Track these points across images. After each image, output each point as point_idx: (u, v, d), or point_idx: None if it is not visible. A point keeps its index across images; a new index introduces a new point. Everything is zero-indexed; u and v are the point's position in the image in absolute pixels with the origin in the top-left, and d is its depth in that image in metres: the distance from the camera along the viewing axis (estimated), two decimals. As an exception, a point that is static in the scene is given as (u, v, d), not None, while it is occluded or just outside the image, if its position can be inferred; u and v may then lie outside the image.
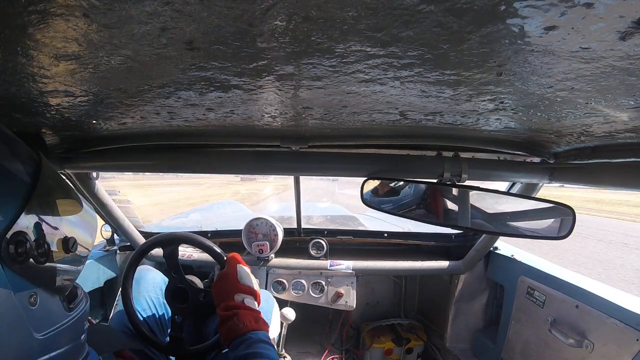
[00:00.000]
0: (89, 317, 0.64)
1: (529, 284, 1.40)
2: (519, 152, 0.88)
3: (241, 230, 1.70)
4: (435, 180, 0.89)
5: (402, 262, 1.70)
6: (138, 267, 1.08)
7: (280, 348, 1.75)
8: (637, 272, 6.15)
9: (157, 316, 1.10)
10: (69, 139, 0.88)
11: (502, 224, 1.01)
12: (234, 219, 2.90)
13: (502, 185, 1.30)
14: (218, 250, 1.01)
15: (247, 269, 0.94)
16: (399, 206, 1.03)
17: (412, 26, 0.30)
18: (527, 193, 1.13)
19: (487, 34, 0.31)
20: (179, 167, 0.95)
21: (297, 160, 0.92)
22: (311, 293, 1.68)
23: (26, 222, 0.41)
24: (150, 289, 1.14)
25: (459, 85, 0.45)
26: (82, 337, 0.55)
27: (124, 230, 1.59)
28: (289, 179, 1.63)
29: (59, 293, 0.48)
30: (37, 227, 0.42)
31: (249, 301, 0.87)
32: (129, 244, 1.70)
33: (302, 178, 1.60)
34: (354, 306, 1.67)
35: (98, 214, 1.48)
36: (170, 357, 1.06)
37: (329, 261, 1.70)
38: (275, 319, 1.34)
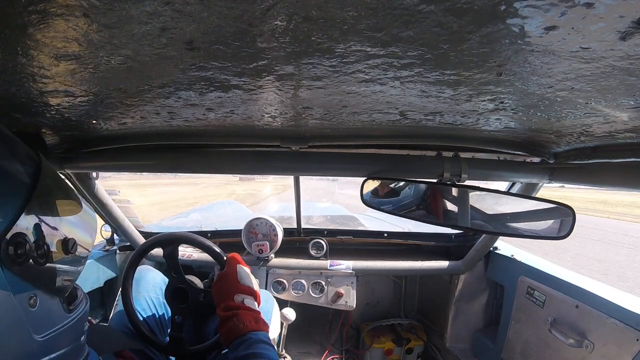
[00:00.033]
0: (89, 317, 0.64)
1: (529, 284, 1.40)
2: (519, 152, 0.88)
3: (241, 230, 1.70)
4: (435, 180, 0.89)
5: (402, 262, 1.70)
6: (138, 267, 1.08)
7: (280, 348, 1.75)
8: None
9: (157, 316, 1.10)
10: (69, 139, 0.88)
11: (502, 224, 1.01)
12: (234, 219, 2.91)
13: (502, 185, 1.30)
14: (218, 250, 1.01)
15: (247, 269, 0.94)
16: (399, 206, 1.03)
17: (412, 26, 0.30)
18: (527, 193, 1.13)
19: (487, 34, 0.31)
20: (179, 167, 0.95)
21: (297, 160, 0.92)
22: (311, 293, 1.68)
23: (26, 223, 0.40)
24: (150, 289, 1.14)
25: (459, 85, 0.45)
26: (82, 338, 0.55)
27: (123, 230, 1.59)
28: (289, 179, 1.63)
29: (58, 294, 0.48)
30: (37, 228, 0.42)
31: (248, 301, 0.87)
32: (128, 244, 1.70)
33: (302, 178, 1.60)
34: (354, 306, 1.67)
35: (98, 214, 1.48)
36: (170, 357, 1.06)
37: (328, 261, 1.70)
38: (276, 319, 1.34)
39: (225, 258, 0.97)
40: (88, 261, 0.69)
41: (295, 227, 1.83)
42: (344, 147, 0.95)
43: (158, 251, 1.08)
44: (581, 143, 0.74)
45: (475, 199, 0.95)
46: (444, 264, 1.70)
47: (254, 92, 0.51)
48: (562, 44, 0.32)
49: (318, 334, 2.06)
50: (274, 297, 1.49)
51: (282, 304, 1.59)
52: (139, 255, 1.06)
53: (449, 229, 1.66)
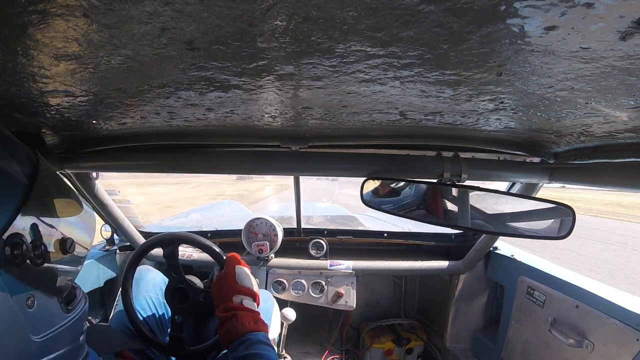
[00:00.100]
0: (89, 317, 0.64)
1: (529, 284, 1.40)
2: (519, 152, 0.88)
3: (241, 230, 1.70)
4: (435, 180, 0.89)
5: (402, 262, 1.70)
6: (138, 267, 1.08)
7: (280, 348, 1.74)
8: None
9: (157, 316, 1.10)
10: (69, 139, 0.88)
11: (502, 224, 1.01)
12: (234, 219, 2.90)
13: (502, 185, 1.30)
14: (217, 250, 1.01)
15: (246, 269, 0.94)
16: (399, 206, 1.03)
17: (412, 26, 0.30)
18: (527, 193, 1.13)
19: (487, 34, 0.31)
20: (179, 167, 0.95)
21: (297, 160, 0.92)
22: (311, 293, 1.68)
23: (22, 224, 0.40)
24: (150, 288, 1.13)
25: (459, 85, 0.45)
26: (81, 338, 0.55)
27: (123, 230, 1.59)
28: (289, 179, 1.63)
29: (57, 294, 0.48)
30: (34, 228, 0.42)
31: (247, 302, 0.86)
32: (128, 244, 1.70)
33: (301, 178, 1.60)
34: (354, 306, 1.67)
35: (98, 214, 1.48)
36: (171, 357, 1.06)
37: (328, 261, 1.70)
38: (276, 319, 1.33)
39: (224, 258, 0.97)
40: (88, 261, 0.69)
41: (295, 227, 1.83)
42: (344, 147, 0.95)
43: (158, 251, 1.08)
44: (581, 143, 0.74)
45: (475, 199, 0.95)
46: (444, 264, 1.70)
47: (254, 92, 0.51)
48: (562, 44, 0.32)
49: (318, 334, 2.06)
50: (274, 297, 1.49)
51: (282, 304, 1.59)
52: (139, 255, 1.06)
53: (449, 229, 1.66)
